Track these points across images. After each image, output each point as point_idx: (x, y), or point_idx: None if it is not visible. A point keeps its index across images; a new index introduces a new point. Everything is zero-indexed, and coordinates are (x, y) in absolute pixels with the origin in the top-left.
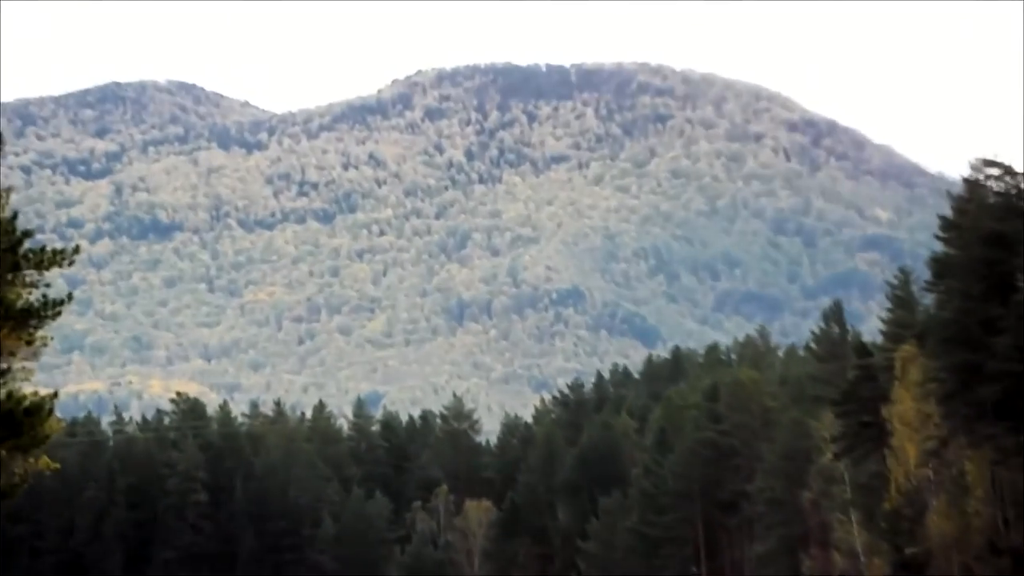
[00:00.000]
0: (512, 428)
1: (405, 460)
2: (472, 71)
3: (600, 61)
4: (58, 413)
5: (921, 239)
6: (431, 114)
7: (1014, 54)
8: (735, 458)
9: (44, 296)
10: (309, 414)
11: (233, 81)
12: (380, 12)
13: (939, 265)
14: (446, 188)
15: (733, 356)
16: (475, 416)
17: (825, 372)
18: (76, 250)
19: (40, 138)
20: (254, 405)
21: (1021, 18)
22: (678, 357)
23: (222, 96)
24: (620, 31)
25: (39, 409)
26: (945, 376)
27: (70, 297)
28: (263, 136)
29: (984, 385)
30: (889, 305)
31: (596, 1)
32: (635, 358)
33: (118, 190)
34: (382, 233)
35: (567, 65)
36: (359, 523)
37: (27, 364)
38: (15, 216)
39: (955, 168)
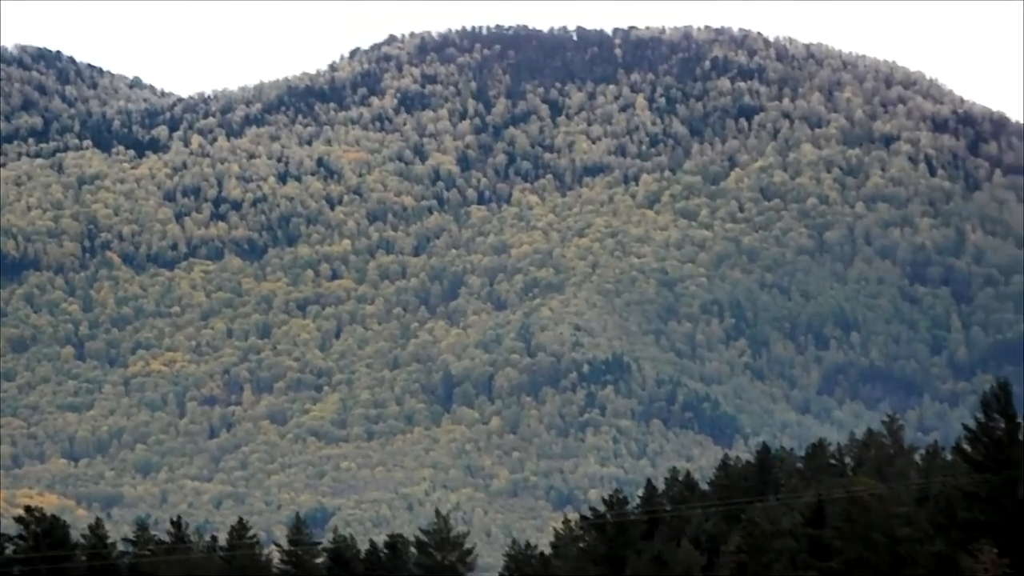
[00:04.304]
0: (521, 561)
1: None
2: (469, 38)
3: (656, 25)
4: None
5: None
6: (408, 101)
7: None
8: None
9: None
10: (223, 539)
11: (118, 49)
12: None
13: None
14: (429, 211)
15: (848, 460)
16: (467, 543)
17: (985, 486)
18: None
19: None
20: (142, 526)
21: None
22: (766, 460)
23: (101, 71)
24: None
25: None
26: None
27: None
28: (161, 131)
29: None
30: None
31: None
32: (703, 461)
33: None
34: (335, 275)
35: (608, 31)
36: None
37: None
38: None
39: None
